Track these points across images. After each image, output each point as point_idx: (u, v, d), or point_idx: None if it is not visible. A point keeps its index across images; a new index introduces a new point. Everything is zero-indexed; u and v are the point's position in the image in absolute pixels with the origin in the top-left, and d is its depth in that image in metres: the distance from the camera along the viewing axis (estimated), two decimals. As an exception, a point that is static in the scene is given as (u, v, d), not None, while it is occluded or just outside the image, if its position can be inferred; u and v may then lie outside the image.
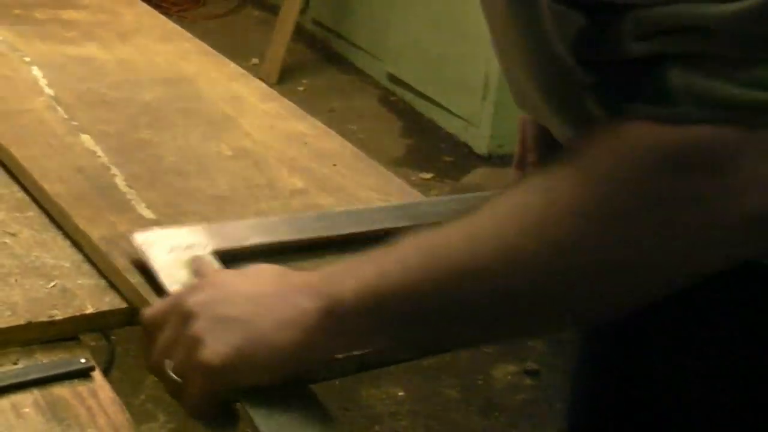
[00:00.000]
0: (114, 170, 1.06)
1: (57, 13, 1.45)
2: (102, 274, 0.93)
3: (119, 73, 1.28)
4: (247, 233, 0.94)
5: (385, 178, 1.12)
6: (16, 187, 1.05)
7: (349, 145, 1.17)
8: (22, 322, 0.86)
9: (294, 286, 0.77)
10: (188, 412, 0.78)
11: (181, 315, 0.77)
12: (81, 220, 0.97)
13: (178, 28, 1.46)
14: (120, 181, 1.04)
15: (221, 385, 0.76)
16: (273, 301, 0.76)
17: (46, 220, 1.00)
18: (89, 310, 0.89)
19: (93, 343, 2.46)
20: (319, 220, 0.99)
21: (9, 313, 0.86)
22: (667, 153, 0.66)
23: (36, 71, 1.25)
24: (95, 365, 0.85)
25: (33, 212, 1.01)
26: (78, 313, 0.88)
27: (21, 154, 1.07)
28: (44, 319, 0.87)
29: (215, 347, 0.75)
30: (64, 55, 1.32)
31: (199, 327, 0.76)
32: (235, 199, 1.04)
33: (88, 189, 1.03)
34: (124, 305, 0.90)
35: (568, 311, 0.73)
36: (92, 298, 0.90)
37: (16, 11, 1.44)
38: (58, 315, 0.87)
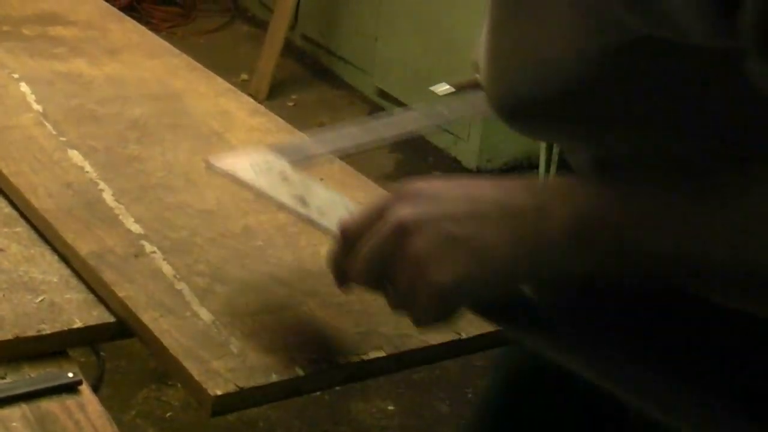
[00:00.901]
0: (102, 185, 1.06)
1: (45, 30, 1.45)
2: (90, 288, 0.94)
3: (107, 88, 1.28)
4: (309, 146, 0.97)
5: (374, 192, 1.13)
6: (4, 203, 1.05)
7: (337, 159, 1.17)
8: (9, 336, 0.86)
9: (531, 207, 0.75)
10: (414, 324, 0.78)
11: (398, 228, 0.76)
12: (69, 234, 0.98)
13: (166, 44, 1.47)
14: (108, 196, 1.05)
15: (451, 303, 0.76)
16: (499, 220, 0.75)
17: (34, 235, 1.01)
18: (77, 324, 0.89)
19: (83, 359, 2.46)
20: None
21: (-3, 327, 0.87)
22: None
23: (24, 87, 1.26)
24: (83, 379, 0.85)
25: (21, 227, 1.02)
26: (66, 328, 0.88)
27: (9, 169, 1.07)
28: (32, 333, 0.87)
29: (446, 269, 0.74)
30: (52, 71, 1.32)
31: (423, 245, 0.75)
32: (223, 213, 1.05)
33: (76, 204, 1.03)
34: (112, 319, 0.91)
35: None
36: (80, 312, 0.90)
37: (5, 28, 1.44)
38: (46, 329, 0.88)
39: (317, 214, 0.86)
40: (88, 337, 0.90)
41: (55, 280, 0.94)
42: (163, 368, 0.88)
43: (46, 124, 1.17)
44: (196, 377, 0.82)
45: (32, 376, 0.85)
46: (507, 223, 0.74)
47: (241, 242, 1.00)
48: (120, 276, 0.93)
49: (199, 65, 1.41)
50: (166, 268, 0.95)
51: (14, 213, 1.04)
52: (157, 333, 0.87)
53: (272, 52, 3.72)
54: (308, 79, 3.92)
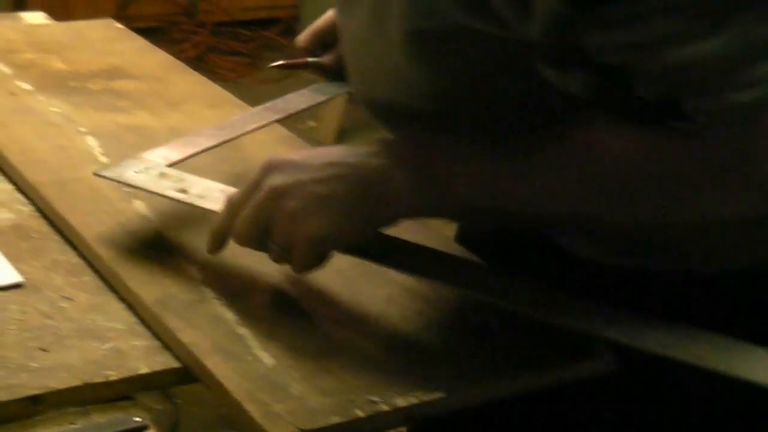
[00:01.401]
0: (165, 234, 1.09)
1: (110, 84, 1.49)
2: (155, 335, 0.96)
3: (169, 139, 1.31)
4: (179, 148, 1.15)
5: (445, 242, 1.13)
6: (72, 253, 1.08)
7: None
8: (78, 383, 0.89)
9: (378, 165, 0.92)
10: (296, 272, 0.96)
11: (272, 192, 0.92)
12: (133, 282, 1.00)
13: (227, 94, 1.50)
14: (171, 245, 1.07)
15: (322, 250, 0.94)
16: (360, 175, 0.92)
17: (100, 284, 1.03)
18: (143, 370, 0.91)
19: (158, 407, 2.50)
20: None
21: (65, 374, 0.89)
22: (711, 150, 0.85)
23: (90, 140, 1.29)
24: (149, 424, 0.88)
25: (88, 276, 1.04)
26: (132, 374, 0.91)
27: (76, 221, 1.11)
28: (100, 379, 0.90)
29: (314, 222, 0.91)
30: (116, 123, 1.36)
31: (295, 204, 0.91)
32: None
33: (141, 253, 1.06)
34: (177, 365, 0.93)
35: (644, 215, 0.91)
36: (146, 358, 0.93)
37: (72, 83, 1.48)
38: (113, 375, 0.90)
39: (198, 199, 1.03)
40: (154, 383, 0.92)
41: (121, 327, 0.97)
42: (227, 412, 0.90)
43: (112, 175, 1.19)
44: (258, 420, 0.84)
45: (100, 421, 0.87)
46: (358, 183, 0.91)
47: (300, 287, 1.02)
48: (183, 322, 0.95)
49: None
50: (228, 314, 0.97)
51: (81, 263, 1.07)
52: (219, 378, 0.89)
53: (339, 98, 3.75)
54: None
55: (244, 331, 0.95)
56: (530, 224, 0.99)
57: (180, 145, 1.16)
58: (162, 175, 1.08)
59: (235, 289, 1.01)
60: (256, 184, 0.94)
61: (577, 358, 0.96)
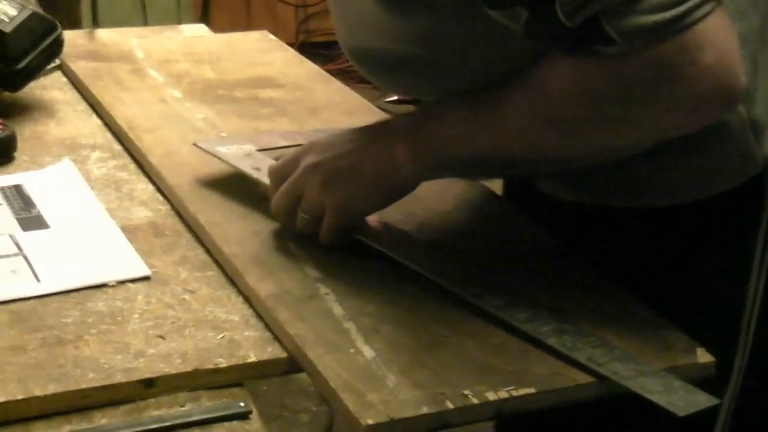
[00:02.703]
0: (287, 233, 1.14)
1: (256, 93, 1.56)
2: (268, 327, 1.01)
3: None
4: (275, 139, 1.32)
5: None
6: (201, 250, 1.15)
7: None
8: (189, 369, 0.95)
9: (384, 139, 1.07)
10: (322, 240, 1.09)
11: (304, 170, 1.08)
12: (252, 278, 1.06)
13: (366, 103, 1.55)
14: (292, 244, 1.13)
15: (344, 219, 1.08)
16: (371, 151, 1.07)
17: (223, 279, 1.09)
18: (251, 359, 0.97)
19: (314, 409, 2.56)
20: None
21: (179, 361, 0.95)
22: (635, 71, 0.92)
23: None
24: (253, 409, 0.93)
25: (213, 272, 1.11)
26: (241, 362, 0.96)
27: (206, 220, 1.17)
28: (210, 366, 0.95)
29: (337, 193, 1.07)
30: (257, 130, 1.42)
31: (321, 178, 1.07)
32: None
33: (262, 251, 1.12)
34: (284, 355, 0.98)
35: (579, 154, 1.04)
36: (256, 348, 0.98)
37: (220, 91, 1.56)
38: (223, 363, 0.96)
39: (265, 178, 1.16)
40: (261, 371, 0.98)
41: (237, 319, 1.03)
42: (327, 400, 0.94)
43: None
44: (351, 408, 0.88)
45: (207, 404, 0.93)
46: (370, 156, 1.07)
47: (406, 286, 1.06)
48: (294, 315, 1.00)
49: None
50: (337, 309, 1.02)
51: (208, 259, 1.13)
52: (320, 368, 0.93)
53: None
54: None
55: (350, 325, 0.99)
56: (512, 169, 1.14)
57: (279, 137, 1.35)
58: (248, 155, 1.25)
59: (347, 287, 1.06)
60: (295, 162, 1.10)
61: (676, 361, 0.97)
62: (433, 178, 1.10)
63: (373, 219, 1.12)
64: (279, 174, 1.11)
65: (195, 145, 1.29)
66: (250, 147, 1.27)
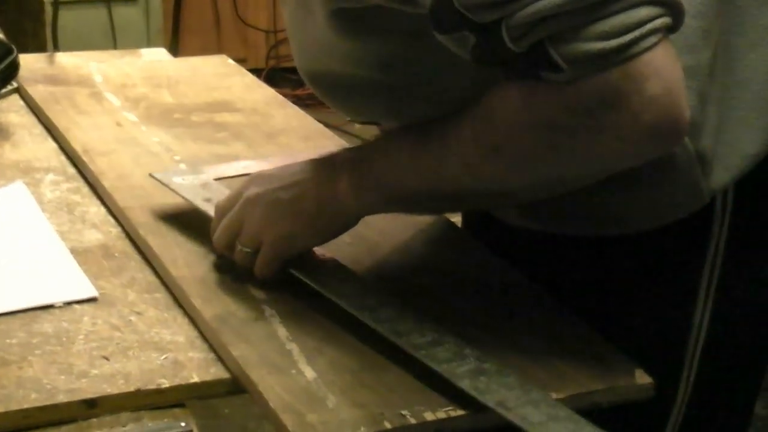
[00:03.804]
0: (237, 257, 1.15)
1: (212, 117, 1.57)
2: (212, 348, 1.02)
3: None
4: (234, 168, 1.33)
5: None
6: (149, 272, 1.16)
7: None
8: (132, 389, 0.95)
9: (328, 172, 1.07)
10: (257, 274, 1.09)
11: (245, 202, 1.08)
12: (197, 299, 1.07)
13: (322, 128, 1.56)
14: (240, 267, 1.13)
15: (283, 251, 1.08)
16: (313, 184, 1.07)
17: (171, 301, 1.10)
18: (194, 379, 0.97)
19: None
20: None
21: (122, 381, 0.96)
22: (581, 98, 0.92)
23: (183, 167, 1.37)
24: (194, 429, 0.93)
25: (160, 294, 1.12)
26: (183, 383, 0.97)
27: (156, 242, 1.18)
28: (152, 387, 0.96)
29: (277, 226, 1.06)
30: (212, 153, 1.43)
31: (261, 211, 1.07)
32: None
33: (209, 273, 1.13)
34: (227, 376, 0.99)
35: (529, 188, 1.03)
36: (200, 369, 0.99)
37: (177, 115, 1.57)
38: (166, 383, 0.97)
39: (208, 206, 1.18)
40: (204, 392, 0.98)
41: (182, 340, 1.03)
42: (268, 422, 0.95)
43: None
44: (290, 429, 0.90)
45: (149, 425, 0.94)
46: (312, 188, 1.06)
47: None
48: (237, 337, 1.01)
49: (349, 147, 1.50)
50: (281, 331, 1.03)
51: (157, 281, 1.14)
52: (261, 388, 0.94)
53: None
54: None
55: (293, 346, 1.01)
56: (459, 203, 1.12)
57: (240, 166, 1.35)
58: (204, 185, 1.24)
59: (292, 308, 1.07)
60: (238, 195, 1.10)
61: (614, 382, 0.98)
62: (376, 212, 1.09)
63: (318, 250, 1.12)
64: (222, 208, 1.12)
65: (151, 176, 1.29)
66: (207, 176, 1.27)
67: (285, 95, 1.73)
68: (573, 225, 1.12)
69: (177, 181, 1.25)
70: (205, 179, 1.26)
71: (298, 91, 4.11)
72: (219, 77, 1.77)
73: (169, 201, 1.27)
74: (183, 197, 1.23)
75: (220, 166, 1.34)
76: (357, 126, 3.78)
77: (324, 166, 1.08)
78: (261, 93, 1.71)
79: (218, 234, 1.10)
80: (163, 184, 1.26)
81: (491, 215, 1.19)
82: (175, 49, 4.11)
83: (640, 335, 1.12)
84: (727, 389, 1.17)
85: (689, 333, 1.11)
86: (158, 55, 1.90)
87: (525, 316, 1.08)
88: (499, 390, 0.93)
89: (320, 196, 1.06)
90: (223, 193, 1.19)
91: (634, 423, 1.07)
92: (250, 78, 1.78)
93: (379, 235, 1.22)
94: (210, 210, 1.16)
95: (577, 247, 1.14)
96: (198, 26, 4.61)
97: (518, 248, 1.19)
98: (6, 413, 0.92)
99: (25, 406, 0.93)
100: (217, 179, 1.27)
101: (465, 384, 0.94)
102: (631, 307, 1.14)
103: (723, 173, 1.06)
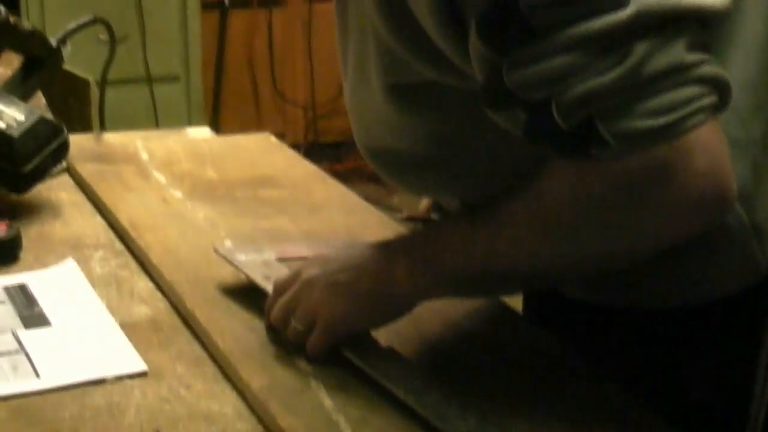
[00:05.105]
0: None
1: (256, 192, 1.60)
2: (260, 419, 1.04)
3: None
4: (298, 249, 1.32)
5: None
6: (197, 345, 1.18)
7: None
8: (182, 460, 0.98)
9: (385, 256, 1.09)
10: (309, 352, 1.11)
11: (304, 283, 1.12)
12: (245, 371, 1.09)
13: (363, 202, 1.59)
14: (287, 341, 1.16)
15: (337, 333, 1.10)
16: (371, 268, 1.09)
17: (218, 374, 1.12)
18: (242, 450, 0.99)
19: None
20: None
21: (172, 453, 0.98)
22: (629, 174, 0.94)
23: (228, 243, 1.40)
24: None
25: (208, 367, 1.14)
26: (232, 453, 0.99)
27: (204, 315, 1.21)
28: (201, 457, 0.98)
29: (331, 307, 1.09)
30: (256, 228, 1.46)
31: (318, 293, 1.10)
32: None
33: (256, 346, 1.15)
34: (274, 446, 1.01)
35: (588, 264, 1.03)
36: (247, 440, 1.01)
37: (220, 191, 1.60)
38: (214, 454, 0.99)
39: (267, 283, 1.20)
40: (251, 462, 1.00)
41: (230, 412, 1.06)
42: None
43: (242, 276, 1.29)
44: (338, 497, 0.91)
45: (200, 495, 0.96)
46: (369, 272, 1.09)
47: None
48: (285, 408, 1.03)
49: (392, 222, 1.53)
50: (327, 402, 1.05)
51: (204, 354, 1.16)
52: (309, 459, 0.96)
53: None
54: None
55: (339, 417, 1.02)
56: (513, 283, 1.12)
57: (304, 246, 1.34)
58: (265, 263, 1.26)
59: (338, 380, 1.09)
60: (297, 276, 1.13)
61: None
62: (432, 297, 1.11)
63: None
64: (281, 285, 1.15)
65: (215, 251, 1.31)
66: (270, 255, 1.29)
67: (324, 170, 1.76)
68: (623, 298, 1.14)
69: (240, 258, 1.28)
70: (267, 257, 1.28)
71: (337, 166, 4.16)
72: (261, 153, 1.81)
73: (215, 275, 1.29)
74: (245, 274, 1.25)
75: (282, 245, 1.36)
76: (396, 200, 3.82)
77: (381, 251, 1.11)
78: (302, 168, 1.75)
79: (275, 310, 1.14)
80: (227, 260, 1.28)
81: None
82: (216, 126, 4.16)
83: (693, 413, 1.12)
84: None
85: (747, 412, 1.09)
86: (202, 133, 1.94)
87: (575, 399, 1.09)
88: None
89: (377, 279, 1.08)
90: (281, 271, 1.22)
91: None
92: (291, 153, 1.82)
93: (426, 309, 1.23)
94: (268, 287, 1.19)
95: (628, 320, 1.15)
96: (237, 102, 4.68)
97: (577, 321, 1.20)
98: (60, 485, 0.94)
99: (79, 477, 0.95)
100: (279, 259, 1.28)
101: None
102: (683, 385, 1.14)
103: None
